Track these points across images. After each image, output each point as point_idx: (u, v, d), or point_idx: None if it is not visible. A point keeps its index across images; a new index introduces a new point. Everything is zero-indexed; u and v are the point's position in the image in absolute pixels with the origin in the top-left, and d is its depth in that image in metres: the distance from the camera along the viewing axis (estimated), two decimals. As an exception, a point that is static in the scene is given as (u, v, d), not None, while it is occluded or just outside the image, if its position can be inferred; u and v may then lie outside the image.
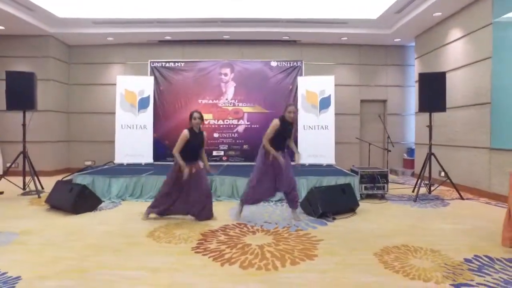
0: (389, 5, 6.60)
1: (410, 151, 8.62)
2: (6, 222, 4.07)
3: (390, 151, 7.34)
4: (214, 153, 7.92)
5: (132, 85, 7.67)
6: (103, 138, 8.51)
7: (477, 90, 5.84)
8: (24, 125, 5.95)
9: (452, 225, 4.03)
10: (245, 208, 4.36)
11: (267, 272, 2.70)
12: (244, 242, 3.42)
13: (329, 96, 7.55)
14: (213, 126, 7.96)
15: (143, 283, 2.50)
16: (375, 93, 8.86)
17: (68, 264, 2.81)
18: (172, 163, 4.26)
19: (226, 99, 8.08)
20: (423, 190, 5.91)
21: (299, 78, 7.88)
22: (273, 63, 8.15)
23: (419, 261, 2.90)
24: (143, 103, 7.68)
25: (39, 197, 5.50)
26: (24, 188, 5.93)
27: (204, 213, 4.19)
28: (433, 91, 5.66)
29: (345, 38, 8.28)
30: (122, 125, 7.53)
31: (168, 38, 8.31)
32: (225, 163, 7.72)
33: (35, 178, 5.81)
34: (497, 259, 2.92)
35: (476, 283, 2.47)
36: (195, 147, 4.11)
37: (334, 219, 4.24)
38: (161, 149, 7.76)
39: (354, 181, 5.36)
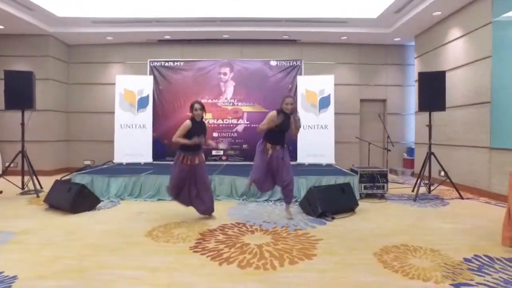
0: (388, 4, 6.59)
1: (410, 151, 8.60)
2: (4, 222, 4.06)
3: (390, 150, 7.34)
4: (214, 152, 7.91)
5: (131, 85, 7.67)
6: (102, 138, 8.50)
7: (477, 89, 5.83)
8: (22, 124, 5.94)
9: (451, 224, 4.02)
10: (244, 207, 4.35)
11: (265, 272, 2.69)
12: (242, 241, 3.41)
13: (329, 95, 7.55)
14: (212, 125, 7.94)
15: (142, 282, 2.49)
16: (375, 92, 8.84)
17: (67, 264, 2.80)
18: (172, 162, 4.24)
19: (226, 99, 8.07)
20: (422, 189, 5.89)
21: (299, 78, 7.88)
22: (273, 63, 8.14)
23: (418, 261, 2.89)
24: (142, 103, 7.68)
25: (37, 196, 5.50)
26: (22, 188, 5.93)
27: (203, 208, 4.20)
28: (433, 91, 5.65)
29: (345, 38, 8.27)
30: (121, 125, 7.53)
31: (167, 37, 8.30)
32: (225, 163, 7.71)
33: (34, 177, 5.80)
34: (497, 259, 2.91)
35: (476, 283, 2.46)
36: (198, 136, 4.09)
37: (333, 218, 4.23)
38: (160, 148, 7.75)
39: (354, 180, 5.35)
